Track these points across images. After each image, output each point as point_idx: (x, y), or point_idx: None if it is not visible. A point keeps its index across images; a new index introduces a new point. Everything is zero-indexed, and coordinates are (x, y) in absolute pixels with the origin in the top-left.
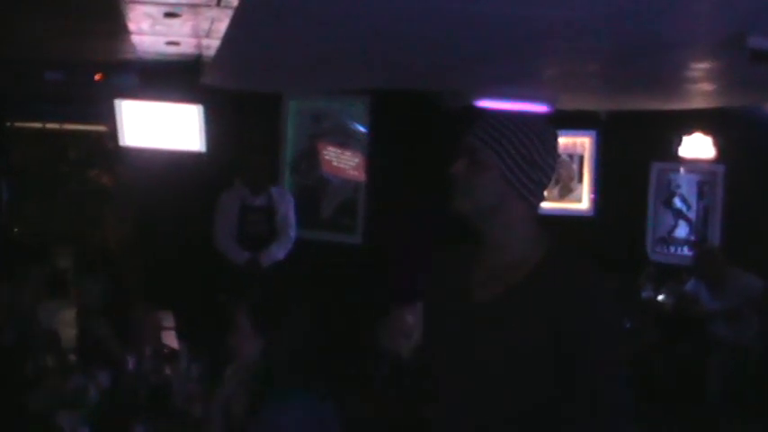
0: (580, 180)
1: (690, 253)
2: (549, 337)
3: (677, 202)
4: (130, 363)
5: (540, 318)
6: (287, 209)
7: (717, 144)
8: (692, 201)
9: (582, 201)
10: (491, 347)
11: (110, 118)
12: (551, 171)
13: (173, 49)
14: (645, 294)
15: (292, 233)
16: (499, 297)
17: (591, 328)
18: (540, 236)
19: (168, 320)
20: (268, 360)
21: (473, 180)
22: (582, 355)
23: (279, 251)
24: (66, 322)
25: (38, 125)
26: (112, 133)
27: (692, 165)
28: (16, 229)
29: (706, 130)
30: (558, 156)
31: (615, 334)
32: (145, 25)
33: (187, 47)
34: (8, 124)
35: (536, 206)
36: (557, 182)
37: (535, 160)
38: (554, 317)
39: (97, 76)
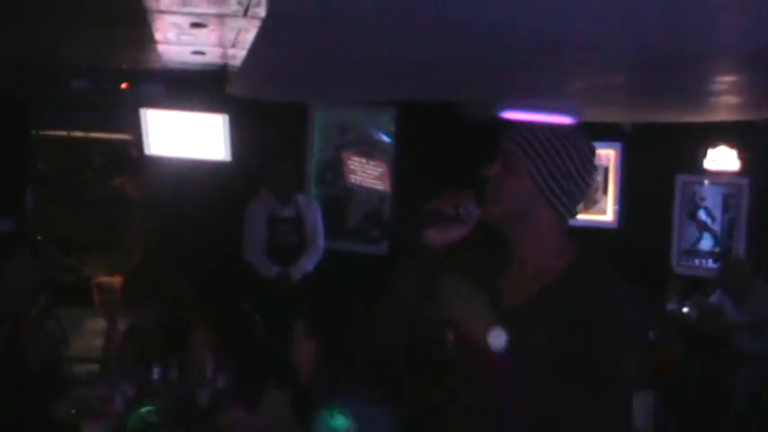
0: (605, 191)
1: (714, 265)
2: (569, 341)
3: (702, 215)
4: (155, 373)
5: (562, 324)
6: (315, 218)
7: (742, 157)
8: (717, 213)
9: (606, 212)
10: (516, 353)
11: (135, 126)
12: (586, 185)
13: (198, 59)
14: (670, 307)
15: (322, 243)
16: (524, 303)
17: (609, 331)
18: (567, 245)
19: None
20: (324, 369)
21: (504, 184)
22: (595, 353)
23: (309, 263)
24: (93, 331)
25: (63, 133)
26: (137, 142)
27: (717, 177)
28: (40, 237)
29: (731, 143)
30: (596, 171)
31: (634, 341)
32: (171, 35)
33: (213, 56)
34: (34, 132)
35: (566, 217)
36: None
37: (570, 172)
38: (575, 321)
39: (123, 85)
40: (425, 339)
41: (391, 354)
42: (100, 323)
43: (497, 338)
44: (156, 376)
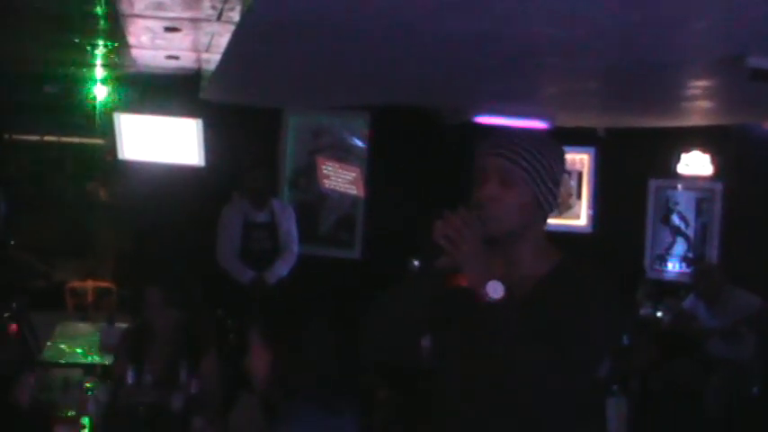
0: (578, 197)
1: (687, 270)
2: (556, 321)
3: (675, 220)
4: (129, 377)
5: (552, 315)
6: (289, 224)
7: (715, 161)
8: (690, 218)
9: (580, 217)
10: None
11: (108, 131)
12: (562, 185)
13: (172, 63)
14: (643, 311)
15: (295, 248)
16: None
17: (585, 310)
18: (552, 247)
19: None
20: (283, 375)
21: (506, 202)
22: (577, 329)
23: (283, 268)
24: (66, 335)
25: (36, 137)
26: (111, 147)
27: (691, 182)
28: (13, 242)
29: (704, 148)
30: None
31: (614, 333)
32: (145, 39)
33: (187, 61)
34: (6, 137)
35: (548, 219)
36: None
37: (557, 178)
38: (563, 310)
39: (97, 89)
40: (410, 350)
41: (374, 359)
42: (72, 328)
43: (496, 289)
44: (130, 381)
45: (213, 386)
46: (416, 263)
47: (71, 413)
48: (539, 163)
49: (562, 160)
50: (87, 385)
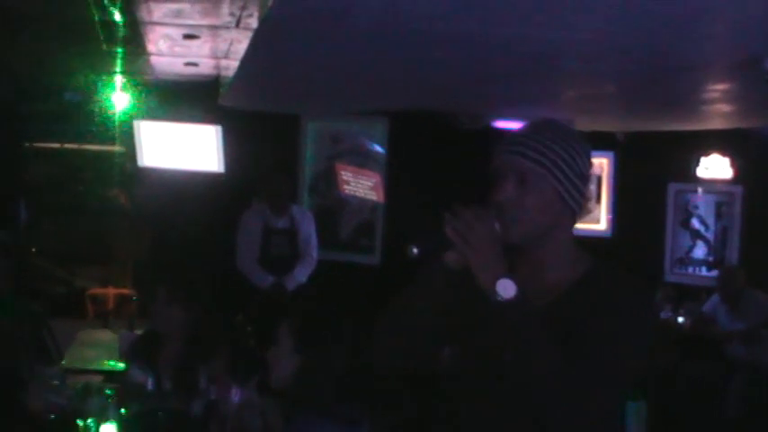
0: (598, 201)
1: (708, 274)
2: (584, 328)
3: (695, 223)
4: (150, 383)
5: (581, 322)
6: (309, 230)
7: (734, 165)
8: (710, 221)
9: (600, 221)
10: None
11: (128, 138)
12: (590, 179)
13: (191, 70)
14: (663, 315)
15: (315, 254)
16: (543, 308)
17: (617, 314)
18: (580, 252)
19: None
20: (305, 380)
21: (526, 204)
22: (606, 337)
23: (302, 273)
24: (87, 342)
25: (56, 145)
26: (130, 154)
27: (710, 185)
28: (34, 249)
29: (723, 151)
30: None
31: (645, 339)
32: (164, 46)
33: (206, 68)
34: (27, 144)
35: (577, 219)
36: None
37: (583, 172)
38: (594, 316)
39: (116, 97)
40: (425, 354)
41: (388, 367)
42: (93, 334)
43: (506, 288)
44: (150, 387)
45: (226, 390)
46: (414, 250)
47: (91, 420)
48: (559, 156)
49: (586, 152)
50: (107, 392)
